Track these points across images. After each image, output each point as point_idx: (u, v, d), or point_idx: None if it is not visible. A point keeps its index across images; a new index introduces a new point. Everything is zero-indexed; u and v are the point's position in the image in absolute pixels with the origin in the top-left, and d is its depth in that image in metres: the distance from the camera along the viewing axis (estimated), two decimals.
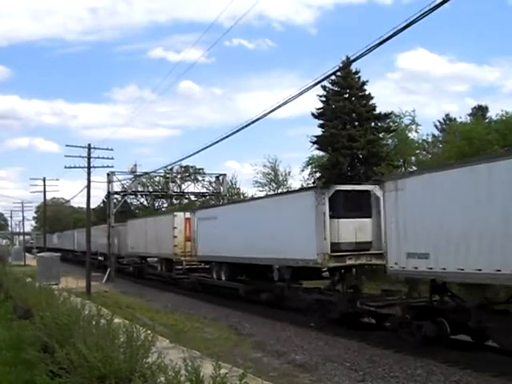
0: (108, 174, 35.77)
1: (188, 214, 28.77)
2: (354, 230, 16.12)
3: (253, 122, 16.84)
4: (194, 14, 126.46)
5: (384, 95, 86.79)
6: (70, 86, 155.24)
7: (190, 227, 27.74)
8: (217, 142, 20.15)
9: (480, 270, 10.67)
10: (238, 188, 58.74)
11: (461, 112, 56.91)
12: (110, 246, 36.07)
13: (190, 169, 61.44)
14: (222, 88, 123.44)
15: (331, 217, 15.69)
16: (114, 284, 32.44)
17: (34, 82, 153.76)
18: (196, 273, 27.23)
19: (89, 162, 27.81)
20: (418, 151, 42.77)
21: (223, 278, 23.02)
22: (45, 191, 46.94)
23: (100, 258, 43.32)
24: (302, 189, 21.59)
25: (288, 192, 23.49)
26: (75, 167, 28.39)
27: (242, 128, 17.58)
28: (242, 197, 53.89)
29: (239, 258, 20.78)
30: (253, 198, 28.42)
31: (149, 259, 34.90)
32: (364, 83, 38.55)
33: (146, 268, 35.14)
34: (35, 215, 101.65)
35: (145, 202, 72.20)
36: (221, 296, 23.57)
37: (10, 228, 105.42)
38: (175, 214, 29.88)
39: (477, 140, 26.80)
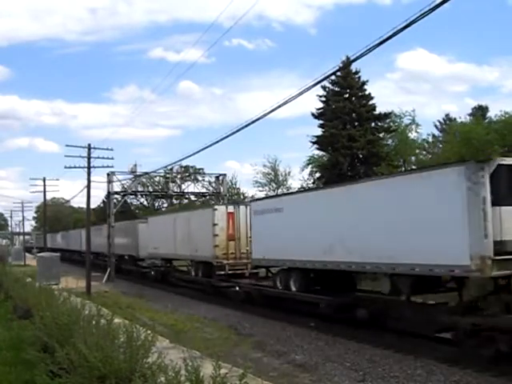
0: (108, 174, 35.77)
1: (231, 208, 24.59)
2: None
3: (253, 122, 16.83)
4: (194, 14, 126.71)
5: (384, 95, 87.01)
6: (70, 86, 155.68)
7: (234, 224, 23.75)
8: (217, 142, 20.14)
9: None
10: (238, 188, 58.95)
11: (460, 112, 57.34)
12: (110, 246, 36.01)
13: (190, 169, 61.50)
14: (222, 88, 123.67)
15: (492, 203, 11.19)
16: (114, 284, 32.42)
17: (33, 81, 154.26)
18: (239, 279, 22.83)
19: (89, 162, 27.81)
20: (418, 151, 42.84)
21: (293, 289, 18.12)
22: (45, 191, 46.95)
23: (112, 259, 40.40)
24: (441, 164, 15.73)
25: (414, 170, 16.65)
26: (75, 167, 28.39)
27: (242, 128, 17.57)
28: (242, 197, 53.84)
29: (322, 262, 16.14)
30: (348, 183, 19.43)
31: (174, 262, 31.19)
32: (364, 83, 38.59)
33: (172, 272, 31.03)
34: (35, 215, 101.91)
35: (145, 202, 72.31)
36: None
37: (10, 228, 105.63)
38: (216, 207, 24.98)
39: (476, 140, 26.81)
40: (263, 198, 23.66)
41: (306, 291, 17.57)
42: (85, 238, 46.53)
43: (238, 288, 22.12)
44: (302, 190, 29.40)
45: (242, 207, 24.17)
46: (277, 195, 23.58)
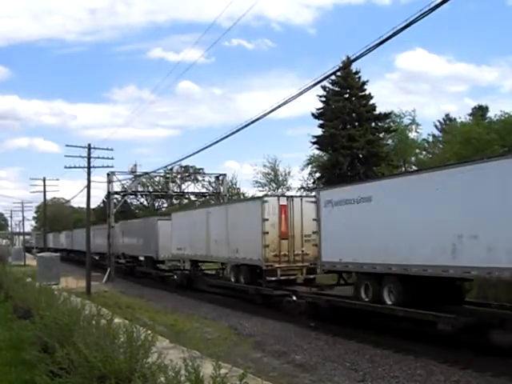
0: (108, 174, 35.77)
1: (283, 200, 20.41)
2: None
3: (253, 121, 16.79)
4: (193, 15, 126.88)
5: (383, 95, 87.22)
6: (70, 86, 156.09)
7: (286, 219, 19.90)
8: (217, 141, 20.10)
9: None
10: (238, 188, 58.93)
11: (460, 112, 57.43)
12: (109, 246, 35.94)
13: (190, 169, 61.59)
14: (222, 88, 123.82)
15: None
16: (114, 284, 32.42)
17: (33, 82, 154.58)
18: (291, 286, 19.36)
19: (89, 162, 27.81)
20: (418, 151, 42.89)
21: (388, 301, 14.15)
22: (45, 191, 46.96)
23: (122, 261, 38.16)
24: None
25: None
26: (75, 167, 28.39)
27: (242, 128, 17.52)
28: (242, 197, 53.83)
29: (439, 267, 12.37)
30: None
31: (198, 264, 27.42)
32: (364, 83, 38.62)
33: (200, 277, 27.10)
34: (35, 215, 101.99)
35: (145, 202, 72.42)
36: (225, 296, 22.59)
37: (9, 228, 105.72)
38: (266, 199, 20.64)
39: (476, 140, 26.82)
40: (339, 186, 18.14)
41: (405, 305, 13.41)
42: (92, 238, 46.39)
43: (295, 298, 17.91)
44: (404, 172, 21.99)
45: (296, 199, 20.59)
46: (362, 180, 17.21)
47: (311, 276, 19.48)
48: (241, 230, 21.43)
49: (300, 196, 22.33)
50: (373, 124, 38.93)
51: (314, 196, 18.44)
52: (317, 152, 42.96)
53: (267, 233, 19.66)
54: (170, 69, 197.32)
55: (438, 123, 49.33)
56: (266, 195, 22.36)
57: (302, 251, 19.88)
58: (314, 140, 39.92)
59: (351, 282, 17.04)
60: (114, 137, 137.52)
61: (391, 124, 40.91)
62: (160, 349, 6.64)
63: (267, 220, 19.71)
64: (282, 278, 19.65)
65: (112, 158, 28.74)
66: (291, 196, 21.64)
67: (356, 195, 15.35)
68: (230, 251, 22.16)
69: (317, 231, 17.44)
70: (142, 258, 35.90)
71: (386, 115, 39.38)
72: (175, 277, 28.84)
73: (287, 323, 16.81)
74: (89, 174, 27.67)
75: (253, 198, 27.80)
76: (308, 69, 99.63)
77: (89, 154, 27.78)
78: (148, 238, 33.22)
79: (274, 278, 19.61)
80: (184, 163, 51.29)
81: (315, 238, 18.12)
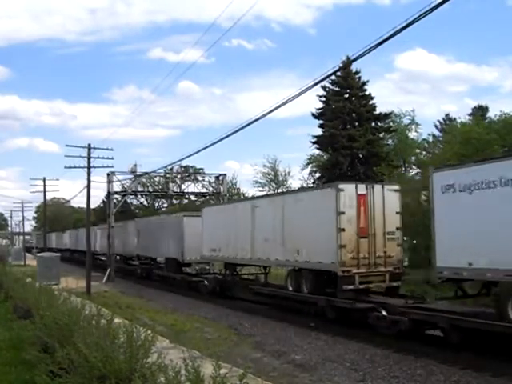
0: (108, 174, 35.78)
1: (362, 189, 16.17)
2: None
3: (253, 121, 16.82)
4: (193, 15, 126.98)
5: (383, 95, 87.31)
6: (70, 86, 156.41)
7: (366, 212, 15.91)
8: (217, 141, 20.12)
9: None
10: (238, 188, 58.86)
11: (460, 112, 57.43)
12: (109, 246, 35.92)
13: (190, 169, 61.61)
14: (222, 88, 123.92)
15: None
16: (114, 284, 32.41)
17: (33, 82, 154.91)
18: (366, 296, 15.79)
19: (89, 162, 27.82)
20: (418, 151, 42.88)
21: None
22: (45, 191, 46.99)
23: (136, 262, 36.14)
24: None
25: None
26: (75, 167, 28.39)
27: (242, 128, 17.55)
28: (242, 197, 53.84)
29: None
30: None
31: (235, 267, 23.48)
32: (364, 83, 38.66)
33: (237, 282, 23.31)
34: (35, 215, 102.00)
35: (145, 202, 72.44)
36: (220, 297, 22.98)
37: (9, 228, 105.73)
38: (341, 186, 16.11)
39: (476, 140, 26.82)
40: (467, 164, 13.24)
41: None
42: (99, 237, 46.14)
43: (384, 312, 14.05)
44: None
45: (376, 187, 16.47)
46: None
47: (394, 284, 16.12)
48: (304, 226, 17.24)
49: (381, 183, 18.70)
50: (373, 124, 38.96)
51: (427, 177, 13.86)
52: (317, 152, 43.02)
53: (343, 230, 15.68)
54: (170, 69, 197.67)
55: (438, 123, 49.43)
56: (339, 181, 17.09)
57: (385, 253, 16.11)
58: (314, 140, 39.96)
59: (473, 294, 13.63)
60: (114, 137, 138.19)
61: (391, 124, 40.92)
62: (160, 349, 6.64)
63: (343, 213, 15.74)
64: (361, 286, 15.67)
65: (112, 158, 28.78)
66: (371, 183, 17.31)
67: (496, 176, 11.58)
68: (288, 252, 18.05)
69: (397, 228, 16.12)
70: (160, 260, 32.23)
71: (386, 115, 39.41)
72: (206, 282, 24.91)
73: (287, 323, 16.80)
74: (89, 174, 27.69)
75: (323, 186, 23.04)
76: (308, 69, 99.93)
77: (89, 154, 27.79)
78: (171, 237, 29.15)
79: (351, 287, 15.53)
80: (184, 163, 51.39)
81: (399, 235, 16.14)
